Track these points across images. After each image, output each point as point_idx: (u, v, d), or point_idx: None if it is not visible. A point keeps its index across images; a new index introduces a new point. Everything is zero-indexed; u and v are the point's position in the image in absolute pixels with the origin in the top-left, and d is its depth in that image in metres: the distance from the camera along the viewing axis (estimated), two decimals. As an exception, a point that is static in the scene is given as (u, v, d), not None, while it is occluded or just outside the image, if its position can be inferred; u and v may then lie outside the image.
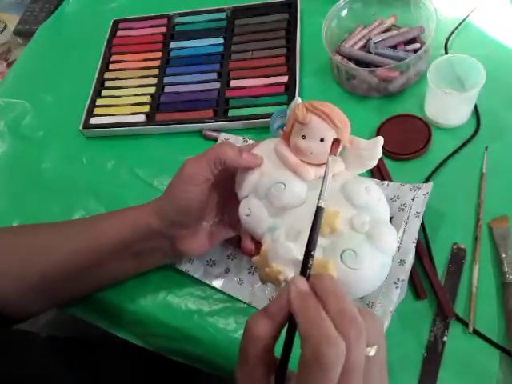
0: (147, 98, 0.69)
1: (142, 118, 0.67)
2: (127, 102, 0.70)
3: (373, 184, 0.38)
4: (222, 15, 0.76)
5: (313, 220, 0.32)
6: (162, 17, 0.79)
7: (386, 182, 0.54)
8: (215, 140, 0.64)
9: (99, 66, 0.75)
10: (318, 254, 0.33)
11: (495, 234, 0.49)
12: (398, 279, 0.46)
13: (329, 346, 0.27)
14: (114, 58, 0.76)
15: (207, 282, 0.52)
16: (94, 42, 0.79)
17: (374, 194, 0.38)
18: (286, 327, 0.31)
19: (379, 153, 0.39)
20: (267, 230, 0.38)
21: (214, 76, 0.70)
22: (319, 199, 0.33)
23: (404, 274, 0.46)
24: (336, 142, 0.37)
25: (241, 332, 0.31)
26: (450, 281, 0.48)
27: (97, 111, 0.70)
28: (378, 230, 0.35)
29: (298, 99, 0.41)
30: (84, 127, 0.68)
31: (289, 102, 0.62)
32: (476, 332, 0.45)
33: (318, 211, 0.33)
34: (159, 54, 0.74)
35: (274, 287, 0.40)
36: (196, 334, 0.51)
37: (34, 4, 0.91)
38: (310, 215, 0.33)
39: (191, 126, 0.65)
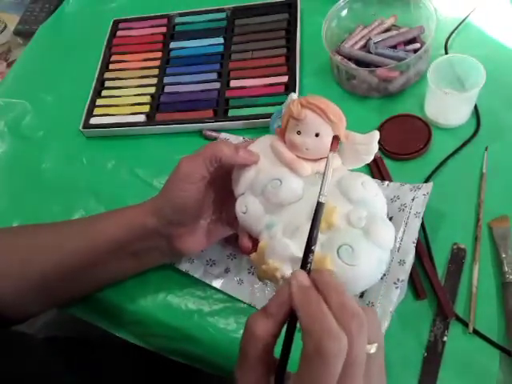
0: (147, 98, 0.69)
1: (141, 118, 0.67)
2: (127, 101, 0.70)
3: (369, 179, 0.38)
4: (222, 15, 0.76)
5: (313, 215, 0.32)
6: (161, 17, 0.79)
7: (386, 182, 0.53)
8: (215, 140, 0.64)
9: (99, 66, 0.75)
10: (315, 249, 0.33)
11: (495, 234, 0.49)
12: (398, 279, 0.46)
13: (331, 340, 0.27)
14: (113, 58, 0.76)
15: (207, 281, 0.52)
16: (93, 42, 0.79)
17: (371, 188, 0.38)
18: (285, 327, 0.31)
19: (375, 147, 0.39)
20: (264, 227, 0.38)
21: (213, 76, 0.70)
22: (320, 195, 0.33)
23: (404, 274, 0.46)
24: (336, 138, 0.37)
25: (241, 332, 0.31)
26: (450, 281, 0.48)
27: (97, 111, 0.70)
28: (374, 225, 0.35)
29: (292, 95, 0.41)
30: (84, 127, 0.68)
31: (289, 102, 0.62)
32: (476, 332, 0.45)
33: (319, 207, 0.32)
34: (159, 54, 0.74)
35: (273, 286, 0.40)
36: (196, 334, 0.51)
37: (34, 4, 0.91)
38: (306, 211, 0.33)
39: (191, 126, 0.65)
